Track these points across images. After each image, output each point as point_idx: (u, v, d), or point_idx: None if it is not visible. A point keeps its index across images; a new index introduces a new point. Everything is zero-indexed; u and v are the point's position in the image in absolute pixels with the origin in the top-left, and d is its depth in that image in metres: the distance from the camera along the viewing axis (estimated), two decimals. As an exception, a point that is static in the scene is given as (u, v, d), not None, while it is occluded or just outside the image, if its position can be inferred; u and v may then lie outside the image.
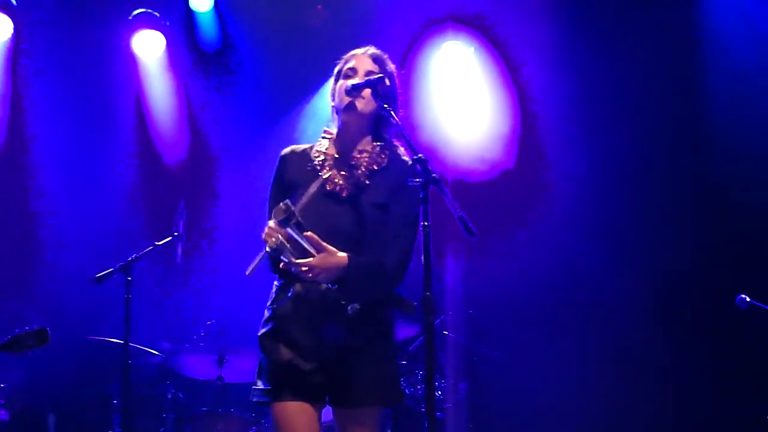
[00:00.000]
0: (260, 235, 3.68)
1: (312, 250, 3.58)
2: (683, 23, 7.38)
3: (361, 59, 3.92)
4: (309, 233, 3.57)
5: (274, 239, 3.55)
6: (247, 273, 3.69)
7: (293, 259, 3.57)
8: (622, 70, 7.44)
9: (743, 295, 4.81)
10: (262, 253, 3.66)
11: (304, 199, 3.69)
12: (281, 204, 3.56)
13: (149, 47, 7.59)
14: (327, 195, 3.77)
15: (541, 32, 7.57)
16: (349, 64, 3.91)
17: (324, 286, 3.65)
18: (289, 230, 3.55)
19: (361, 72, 3.86)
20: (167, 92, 7.75)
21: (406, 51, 7.58)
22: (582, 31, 7.52)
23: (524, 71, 7.70)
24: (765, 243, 6.93)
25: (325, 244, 3.58)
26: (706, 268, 7.04)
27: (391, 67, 3.96)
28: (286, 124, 7.62)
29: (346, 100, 3.81)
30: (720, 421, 6.52)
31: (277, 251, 3.58)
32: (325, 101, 4.19)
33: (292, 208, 3.54)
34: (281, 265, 3.65)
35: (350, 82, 3.81)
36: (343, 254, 3.61)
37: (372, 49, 3.97)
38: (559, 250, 7.46)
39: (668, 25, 7.36)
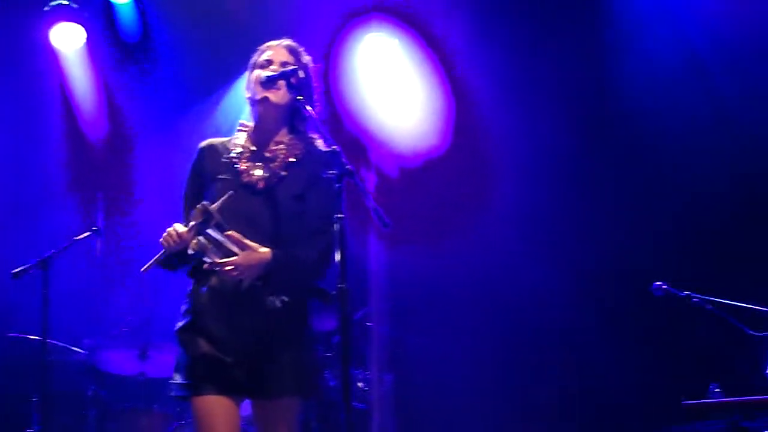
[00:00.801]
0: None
1: (235, 249, 3.56)
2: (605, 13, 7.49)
3: (276, 50, 3.91)
4: (230, 232, 3.56)
5: (195, 243, 3.53)
6: (142, 270, 3.68)
7: (216, 260, 3.55)
8: (549, 60, 7.52)
9: (659, 282, 4.88)
10: (160, 252, 3.65)
11: (223, 198, 3.67)
12: (198, 206, 3.55)
13: (68, 39, 7.46)
14: (244, 188, 3.75)
15: (466, 20, 7.61)
16: (264, 56, 3.90)
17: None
18: (209, 231, 3.53)
19: (276, 63, 3.85)
20: (88, 85, 7.63)
21: (330, 42, 7.56)
22: (508, 18, 7.57)
23: (452, 60, 7.73)
24: (688, 234, 7.06)
25: (247, 240, 3.57)
26: (629, 259, 7.15)
27: (307, 59, 3.95)
28: (207, 115, 7.57)
29: (261, 92, 3.80)
30: (639, 408, 6.63)
31: (199, 253, 3.55)
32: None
33: (210, 209, 3.52)
34: (205, 266, 3.62)
35: (264, 73, 3.80)
36: (266, 249, 3.60)
37: (287, 41, 3.96)
38: (487, 241, 7.51)
39: (591, 15, 7.47)
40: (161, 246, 3.64)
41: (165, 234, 3.62)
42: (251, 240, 3.59)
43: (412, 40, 7.78)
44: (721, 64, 7.21)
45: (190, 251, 3.57)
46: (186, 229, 3.60)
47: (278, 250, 3.63)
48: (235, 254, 3.56)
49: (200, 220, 3.51)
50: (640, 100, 7.32)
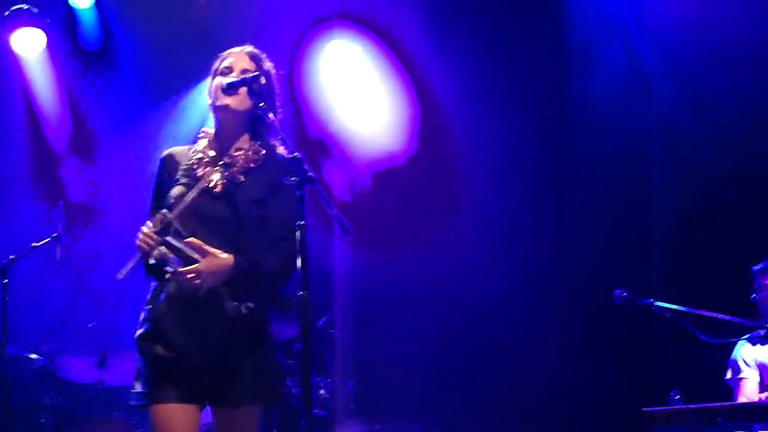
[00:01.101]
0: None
1: (196, 256, 3.53)
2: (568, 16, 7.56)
3: (237, 57, 3.89)
4: (190, 239, 3.53)
5: (156, 252, 3.50)
6: (118, 277, 3.63)
7: (178, 269, 3.52)
8: (512, 64, 7.56)
9: (620, 290, 4.91)
10: (136, 258, 3.61)
11: (182, 205, 3.64)
12: (158, 214, 3.53)
13: (29, 44, 7.40)
14: (203, 193, 3.73)
15: (428, 25, 7.64)
16: (225, 62, 3.88)
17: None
18: (168, 239, 3.50)
19: (237, 70, 3.84)
20: (50, 90, 7.56)
21: (294, 48, 7.56)
22: (470, 22, 7.61)
23: (415, 65, 7.76)
24: (650, 242, 7.12)
25: (207, 247, 3.55)
26: (591, 266, 7.19)
27: (269, 65, 3.94)
28: (169, 120, 7.53)
29: (221, 98, 3.79)
30: (601, 414, 6.66)
31: (161, 261, 3.52)
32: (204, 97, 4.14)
33: (168, 217, 3.50)
34: (167, 275, 3.59)
35: (226, 80, 3.79)
36: (228, 255, 3.58)
37: (249, 48, 3.95)
38: (450, 246, 7.53)
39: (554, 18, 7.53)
40: (129, 253, 3.62)
41: (141, 235, 3.58)
42: (211, 245, 3.57)
43: (376, 46, 7.79)
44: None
45: (151, 261, 3.54)
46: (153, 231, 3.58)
47: (241, 256, 3.61)
48: (196, 261, 3.54)
49: (159, 228, 3.49)
50: (603, 104, 7.39)
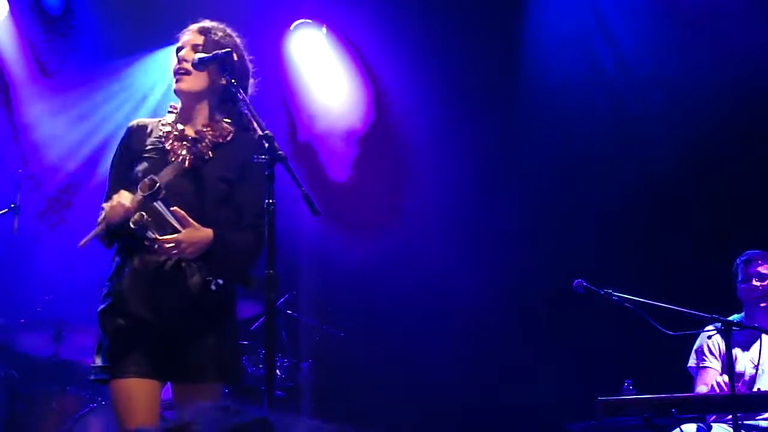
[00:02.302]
0: (101, 207, 3.63)
1: (178, 226, 3.51)
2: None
3: (189, 34, 3.89)
4: (175, 208, 3.51)
5: (137, 216, 3.46)
6: (79, 245, 3.61)
7: (158, 236, 3.49)
8: (467, 56, 7.59)
9: (579, 279, 4.95)
10: (98, 228, 3.58)
11: (169, 175, 3.62)
12: (146, 179, 3.49)
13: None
14: (171, 166, 3.71)
15: (383, 20, 7.66)
16: (181, 40, 3.89)
17: (168, 261, 3.59)
18: (156, 205, 3.46)
19: (188, 46, 3.83)
20: (15, 56, 7.44)
21: (260, 31, 7.53)
22: (423, 16, 7.63)
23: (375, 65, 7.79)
24: (607, 234, 7.18)
25: (190, 219, 3.53)
26: (548, 256, 7.25)
27: (220, 35, 3.88)
28: (128, 86, 7.49)
29: (174, 82, 3.82)
30: (555, 402, 6.71)
31: (140, 227, 3.48)
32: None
33: (158, 183, 3.46)
34: (146, 242, 3.56)
35: (197, 56, 3.77)
36: (207, 230, 3.57)
37: (204, 23, 3.93)
38: (412, 235, 7.57)
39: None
40: (94, 222, 3.60)
41: (110, 205, 3.56)
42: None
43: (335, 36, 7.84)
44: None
45: (131, 225, 3.49)
46: (131, 199, 3.54)
47: (220, 231, 3.61)
48: (176, 231, 3.51)
49: (148, 192, 3.44)
50: (559, 98, 7.43)
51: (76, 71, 7.44)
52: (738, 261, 5.60)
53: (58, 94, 7.43)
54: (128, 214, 3.52)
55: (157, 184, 3.46)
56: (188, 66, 3.77)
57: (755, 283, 5.46)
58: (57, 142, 7.39)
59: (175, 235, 3.51)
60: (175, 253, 3.53)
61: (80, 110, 7.43)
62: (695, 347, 5.56)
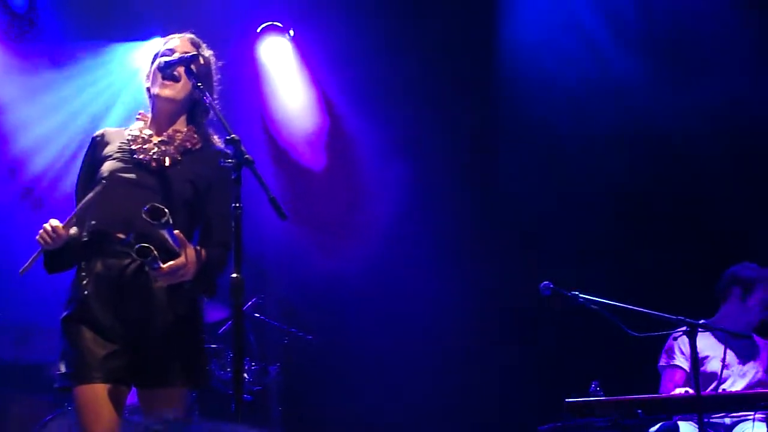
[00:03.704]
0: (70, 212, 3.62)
1: (178, 249, 3.48)
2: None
3: (180, 41, 3.91)
4: (177, 231, 3.48)
5: (146, 251, 3.37)
6: (20, 272, 3.59)
7: (161, 265, 3.44)
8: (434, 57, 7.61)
9: (546, 282, 4.96)
10: (37, 253, 3.57)
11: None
12: (149, 206, 3.38)
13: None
14: (137, 167, 3.69)
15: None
16: (168, 44, 3.90)
17: (131, 265, 3.55)
18: (163, 232, 3.42)
19: (179, 52, 3.83)
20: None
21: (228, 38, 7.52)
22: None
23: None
24: (574, 236, 7.22)
25: (184, 238, 3.50)
26: (516, 259, 7.27)
27: (209, 52, 3.96)
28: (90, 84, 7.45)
29: (160, 87, 3.78)
30: (523, 404, 6.75)
31: (152, 260, 3.39)
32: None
33: (165, 210, 3.38)
34: (153, 275, 3.49)
35: (165, 59, 3.75)
36: (193, 247, 3.58)
37: (191, 35, 3.97)
38: (381, 238, 7.58)
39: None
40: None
41: (41, 232, 3.56)
42: (139, 216, 3.45)
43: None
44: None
45: (136, 256, 3.41)
46: (61, 224, 3.55)
47: (204, 249, 3.63)
48: (178, 254, 3.48)
49: (157, 220, 3.35)
50: (529, 100, 7.47)
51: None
52: (760, 275, 5.64)
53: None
54: (60, 238, 3.53)
55: (167, 212, 3.38)
56: (181, 71, 3.74)
57: None
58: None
59: (180, 260, 3.48)
60: (179, 279, 3.50)
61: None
62: (665, 347, 5.60)
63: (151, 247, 3.39)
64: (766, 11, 6.84)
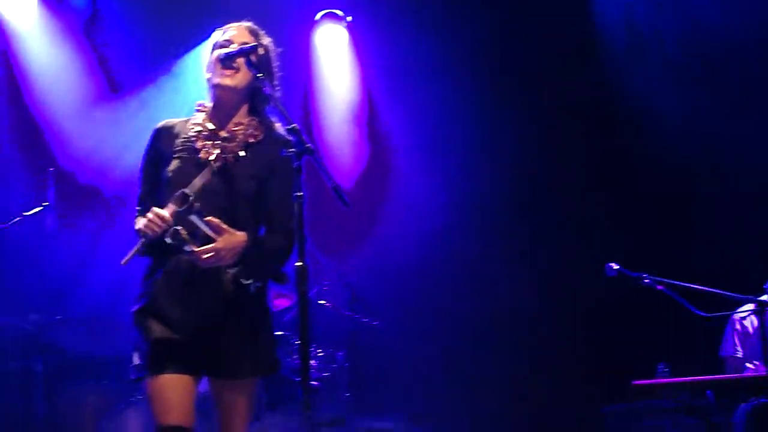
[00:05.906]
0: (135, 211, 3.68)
1: (213, 235, 3.53)
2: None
3: (237, 30, 3.87)
4: (210, 218, 3.52)
5: (173, 231, 3.46)
6: (122, 263, 3.62)
7: (195, 248, 3.50)
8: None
9: (611, 263, 4.92)
10: (140, 244, 3.60)
11: (198, 184, 3.62)
12: (179, 193, 3.48)
13: (22, 11, 7.35)
14: (201, 167, 3.71)
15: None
16: (226, 35, 3.85)
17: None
18: (192, 218, 3.48)
19: (237, 43, 3.81)
20: (46, 57, 7.50)
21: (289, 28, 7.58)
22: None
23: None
24: (641, 216, 7.16)
25: (224, 225, 3.54)
26: (580, 240, 7.24)
27: (267, 40, 3.92)
28: (159, 89, 7.53)
29: (220, 76, 3.77)
30: (590, 385, 6.73)
31: (178, 241, 3.49)
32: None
33: (191, 196, 3.46)
34: (185, 256, 3.55)
35: (224, 50, 3.77)
36: (241, 233, 3.59)
37: (248, 23, 3.93)
38: (447, 225, 7.60)
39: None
40: (136, 233, 3.62)
41: (147, 221, 3.56)
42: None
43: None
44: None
45: (168, 240, 3.51)
46: (167, 212, 3.55)
47: (252, 234, 3.63)
48: (212, 240, 3.53)
49: (182, 207, 3.45)
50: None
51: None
52: None
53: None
54: (167, 224, 3.54)
55: (190, 198, 3.47)
56: (241, 62, 3.75)
57: None
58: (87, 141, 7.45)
59: (212, 245, 3.52)
60: (214, 262, 3.55)
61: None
62: (725, 334, 5.54)
63: (180, 230, 3.45)
64: None
